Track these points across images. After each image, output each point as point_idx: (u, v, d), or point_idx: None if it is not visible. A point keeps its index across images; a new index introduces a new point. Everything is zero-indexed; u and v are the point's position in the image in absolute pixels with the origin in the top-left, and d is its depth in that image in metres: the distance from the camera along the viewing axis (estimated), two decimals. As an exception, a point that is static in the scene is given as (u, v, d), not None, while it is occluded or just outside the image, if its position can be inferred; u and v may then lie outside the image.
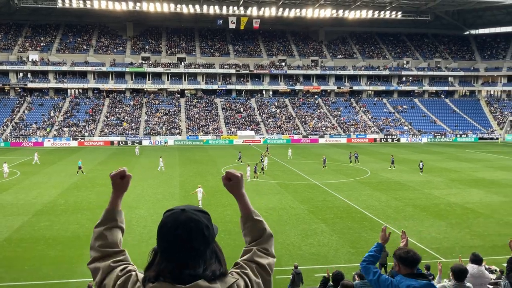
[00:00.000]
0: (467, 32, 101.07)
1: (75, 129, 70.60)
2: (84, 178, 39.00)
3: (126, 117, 75.39)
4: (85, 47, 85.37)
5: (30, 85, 78.87)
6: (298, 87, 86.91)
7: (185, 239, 2.03)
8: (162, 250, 2.08)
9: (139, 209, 28.00)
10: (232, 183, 2.49)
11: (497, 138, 77.88)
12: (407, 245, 4.77)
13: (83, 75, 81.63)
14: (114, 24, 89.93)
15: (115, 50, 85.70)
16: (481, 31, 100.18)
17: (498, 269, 16.58)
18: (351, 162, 47.42)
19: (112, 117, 74.94)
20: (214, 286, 2.04)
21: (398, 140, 75.14)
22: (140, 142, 68.27)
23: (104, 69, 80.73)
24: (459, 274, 6.17)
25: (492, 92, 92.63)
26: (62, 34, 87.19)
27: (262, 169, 42.25)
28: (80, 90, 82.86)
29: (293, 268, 16.09)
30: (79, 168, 40.97)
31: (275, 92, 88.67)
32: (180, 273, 2.00)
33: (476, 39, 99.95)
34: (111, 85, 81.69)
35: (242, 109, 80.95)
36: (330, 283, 10.92)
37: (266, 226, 2.47)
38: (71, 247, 21.25)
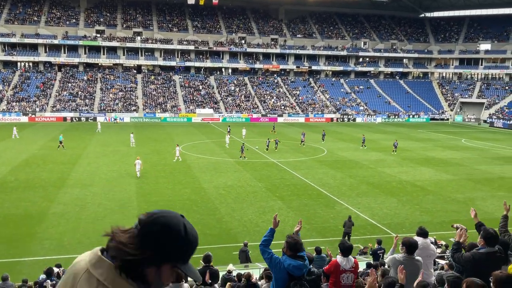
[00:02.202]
0: (423, 15, 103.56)
1: (25, 104, 67.72)
2: (36, 155, 37.71)
3: (79, 92, 72.93)
4: (35, 18, 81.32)
5: (-25, 57, 74.71)
6: (257, 65, 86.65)
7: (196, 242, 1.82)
8: (177, 256, 1.75)
9: (94, 187, 27.46)
10: None
11: (448, 119, 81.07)
12: (299, 231, 6.08)
13: (33, 47, 77.94)
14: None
15: (67, 22, 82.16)
16: (436, 14, 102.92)
17: (444, 243, 17.51)
18: (302, 143, 46.49)
19: (65, 92, 72.30)
20: None
21: (354, 120, 76.78)
22: (94, 119, 66.42)
23: (56, 41, 77.32)
24: (409, 247, 6.48)
25: (444, 74, 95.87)
26: (11, 4, 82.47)
27: (268, 146, 42.34)
28: (31, 63, 79.22)
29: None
30: (60, 143, 40.38)
31: (235, 70, 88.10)
32: None
33: (431, 22, 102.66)
34: (63, 58, 78.47)
35: (201, 87, 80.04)
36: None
37: None
38: (23, 225, 20.66)
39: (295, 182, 30.32)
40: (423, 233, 7.45)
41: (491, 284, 4.13)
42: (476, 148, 47.81)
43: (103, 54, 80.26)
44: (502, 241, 6.22)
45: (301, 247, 5.64)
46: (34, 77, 75.12)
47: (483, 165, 37.83)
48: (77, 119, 66.40)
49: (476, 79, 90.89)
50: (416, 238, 7.24)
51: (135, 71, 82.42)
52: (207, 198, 25.59)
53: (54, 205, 23.75)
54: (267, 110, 75.63)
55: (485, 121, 77.32)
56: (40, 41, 76.78)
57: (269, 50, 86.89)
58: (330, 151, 43.05)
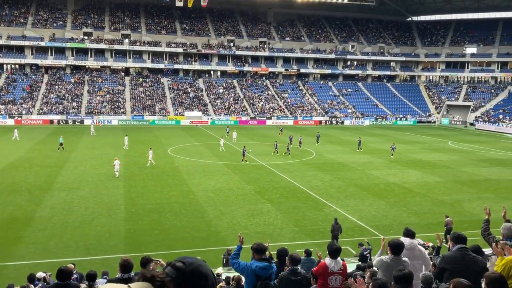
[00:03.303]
0: (410, 19, 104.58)
1: (11, 106, 66.93)
2: (22, 158, 37.27)
3: (66, 95, 72.30)
4: (22, 20, 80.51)
5: (-40, 58, 73.64)
6: (246, 68, 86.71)
7: None
8: None
9: (81, 190, 27.20)
10: None
11: (434, 122, 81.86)
12: (242, 242, 6.88)
13: (20, 49, 77.13)
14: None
15: (54, 24, 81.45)
16: (423, 18, 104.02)
17: (431, 245, 17.65)
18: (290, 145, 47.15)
19: (52, 95, 71.61)
20: None
21: (342, 122, 77.17)
22: (81, 121, 65.96)
23: (42, 44, 76.62)
24: (395, 248, 6.51)
25: (431, 78, 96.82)
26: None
27: (288, 149, 42.55)
28: (17, 66, 78.40)
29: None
30: (60, 144, 40.68)
31: (223, 73, 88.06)
32: None
33: (417, 26, 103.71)
34: (50, 61, 77.75)
35: (189, 89, 79.86)
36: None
37: None
38: (8, 229, 20.38)
39: (284, 184, 30.35)
40: (409, 234, 7.48)
41: (483, 284, 4.20)
42: (462, 151, 48.32)
43: (91, 56, 79.73)
44: (472, 247, 6.52)
45: (265, 249, 6.48)
46: (20, 80, 74.34)
47: (470, 167, 38.25)
48: (64, 122, 65.80)
49: (462, 82, 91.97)
50: (403, 239, 7.28)
51: (123, 74, 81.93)
52: (195, 201, 25.49)
53: (40, 208, 23.48)
54: (256, 113, 75.69)
55: (471, 124, 78.23)
56: (26, 43, 76.03)
57: (258, 53, 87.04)
58: (318, 154, 43.19)
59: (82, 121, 66.03)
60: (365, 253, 14.92)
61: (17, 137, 47.50)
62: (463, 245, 6.15)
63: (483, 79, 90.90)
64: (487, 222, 7.61)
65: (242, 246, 6.93)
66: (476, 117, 79.37)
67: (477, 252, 6.47)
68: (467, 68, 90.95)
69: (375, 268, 8.38)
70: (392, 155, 42.34)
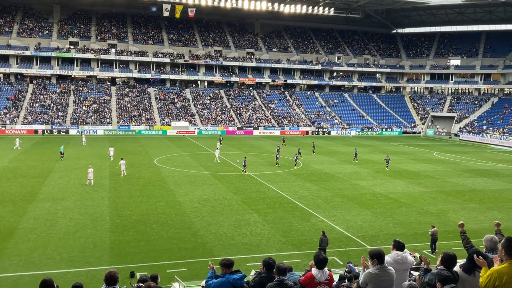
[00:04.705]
0: (395, 31, 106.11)
1: (-5, 116, 66.07)
2: (6, 168, 36.70)
3: (51, 104, 71.60)
4: (7, 29, 79.79)
5: None
6: (233, 78, 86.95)
7: None
8: None
9: (65, 201, 26.84)
10: None
11: (419, 132, 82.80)
12: (213, 268, 7.40)
13: (4, 59, 76.34)
14: (39, 6, 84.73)
15: (40, 34, 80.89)
16: (407, 30, 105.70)
17: (418, 255, 17.73)
18: (300, 155, 47.30)
19: (37, 104, 70.87)
20: None
21: (329, 133, 77.63)
22: (67, 131, 65.31)
23: (28, 53, 75.96)
24: (381, 257, 6.46)
25: (415, 89, 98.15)
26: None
27: (277, 158, 42.57)
28: (2, 75, 77.52)
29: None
30: (61, 153, 41.11)
31: (211, 83, 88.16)
32: None
33: (402, 38, 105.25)
34: (35, 70, 77.08)
35: (176, 100, 79.69)
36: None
37: None
38: (-10, 241, 19.95)
39: (271, 195, 30.32)
40: (400, 246, 7.45)
41: None
42: (447, 161, 48.86)
43: (77, 66, 79.23)
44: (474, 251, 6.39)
45: (233, 263, 7.10)
46: (5, 89, 73.50)
47: (454, 178, 38.66)
48: (49, 132, 65.08)
49: (446, 94, 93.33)
50: (395, 252, 7.27)
51: (109, 83, 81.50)
52: (182, 212, 25.30)
53: (24, 219, 23.08)
54: (243, 123, 75.75)
55: (455, 135, 79.28)
56: (11, 52, 75.34)
57: (245, 64, 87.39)
58: (305, 164, 43.29)
59: (67, 131, 65.38)
60: (354, 266, 14.89)
61: (18, 146, 47.63)
62: (453, 284, 5.65)
63: (467, 91, 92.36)
64: (463, 233, 7.71)
65: (213, 270, 7.44)
66: (460, 128, 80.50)
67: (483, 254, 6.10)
68: (451, 79, 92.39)
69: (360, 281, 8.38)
70: (386, 167, 42.12)
